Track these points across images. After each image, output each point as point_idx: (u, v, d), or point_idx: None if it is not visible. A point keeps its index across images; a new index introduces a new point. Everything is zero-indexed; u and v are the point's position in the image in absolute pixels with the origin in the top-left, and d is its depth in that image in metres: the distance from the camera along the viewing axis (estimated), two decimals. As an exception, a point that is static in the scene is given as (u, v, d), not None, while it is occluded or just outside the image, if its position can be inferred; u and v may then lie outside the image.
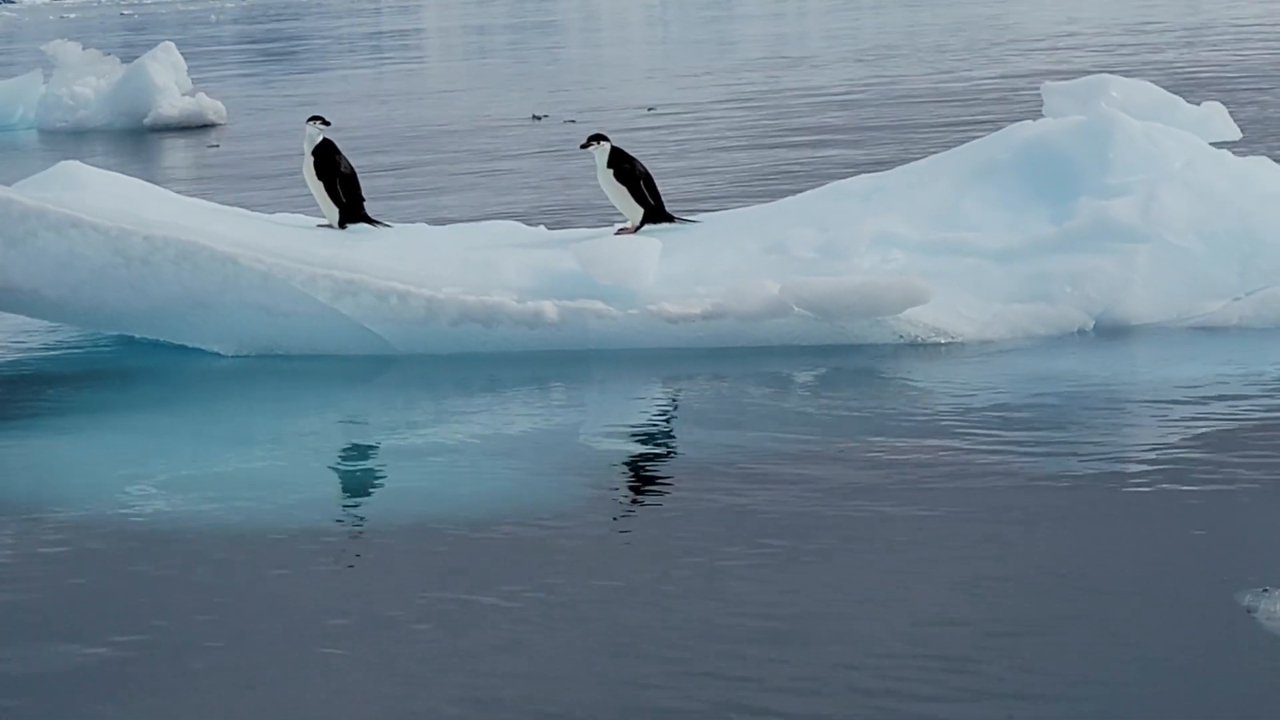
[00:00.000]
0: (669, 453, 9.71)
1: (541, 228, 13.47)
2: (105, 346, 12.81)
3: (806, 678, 6.36)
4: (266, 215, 13.92)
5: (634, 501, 8.77)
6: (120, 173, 14.17)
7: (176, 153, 28.06)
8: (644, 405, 10.81)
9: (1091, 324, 11.50)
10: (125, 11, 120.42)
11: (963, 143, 13.82)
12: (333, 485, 9.44)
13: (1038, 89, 14.37)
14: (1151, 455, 8.82)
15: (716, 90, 31.23)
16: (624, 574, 7.55)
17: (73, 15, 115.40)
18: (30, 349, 13.01)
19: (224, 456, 9.98)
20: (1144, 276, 11.62)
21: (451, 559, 7.84)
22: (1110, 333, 11.43)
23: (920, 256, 11.92)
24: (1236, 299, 11.57)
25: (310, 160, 13.18)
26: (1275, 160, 12.84)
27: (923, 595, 7.10)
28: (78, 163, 13.55)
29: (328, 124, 13.40)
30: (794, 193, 13.93)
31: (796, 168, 20.25)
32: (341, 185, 13.13)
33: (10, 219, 12.27)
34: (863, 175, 13.51)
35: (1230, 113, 13.33)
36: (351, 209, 13.19)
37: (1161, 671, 6.26)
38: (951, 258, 11.88)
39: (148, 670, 6.80)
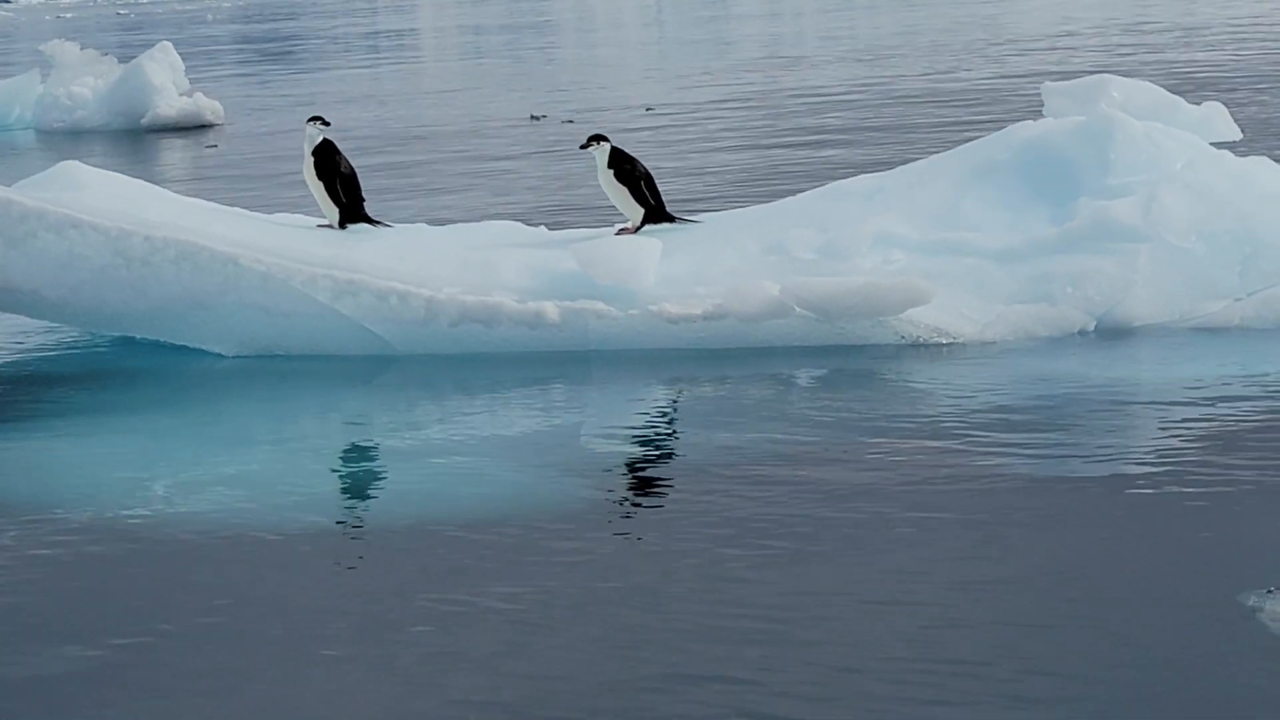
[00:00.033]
0: (670, 454, 9.70)
1: (542, 228, 13.46)
2: (105, 347, 12.80)
3: (808, 680, 6.36)
4: (266, 215, 13.91)
5: (635, 503, 8.76)
6: (119, 173, 14.15)
7: (174, 153, 28.04)
8: (645, 406, 10.81)
9: (1093, 325, 11.50)
10: (121, 11, 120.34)
11: (962, 143, 13.82)
12: (333, 486, 9.44)
13: (1036, 89, 14.37)
14: (1154, 456, 8.82)
15: (715, 90, 31.21)
16: (625, 575, 7.54)
17: (69, 15, 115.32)
18: (30, 349, 13.00)
19: (224, 457, 9.97)
20: (1145, 277, 11.61)
21: (452, 560, 7.83)
22: (1111, 333, 11.43)
23: (921, 257, 11.92)
24: (1238, 299, 11.57)
25: (310, 160, 13.18)
26: (1276, 160, 12.84)
27: (925, 597, 7.09)
28: (78, 163, 13.54)
29: (328, 124, 13.39)
30: (793, 193, 13.92)
31: (796, 168, 20.24)
32: (341, 185, 13.12)
33: (10, 219, 12.26)
34: (863, 175, 13.51)
35: (1230, 113, 13.33)
36: (351, 209, 13.18)
37: (1165, 672, 6.26)
38: (952, 258, 11.88)
39: (148, 671, 6.79)
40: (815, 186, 13.79)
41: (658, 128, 25.61)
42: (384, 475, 9.68)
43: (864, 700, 6.17)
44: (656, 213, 12.91)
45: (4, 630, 7.33)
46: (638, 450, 9.80)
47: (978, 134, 14.74)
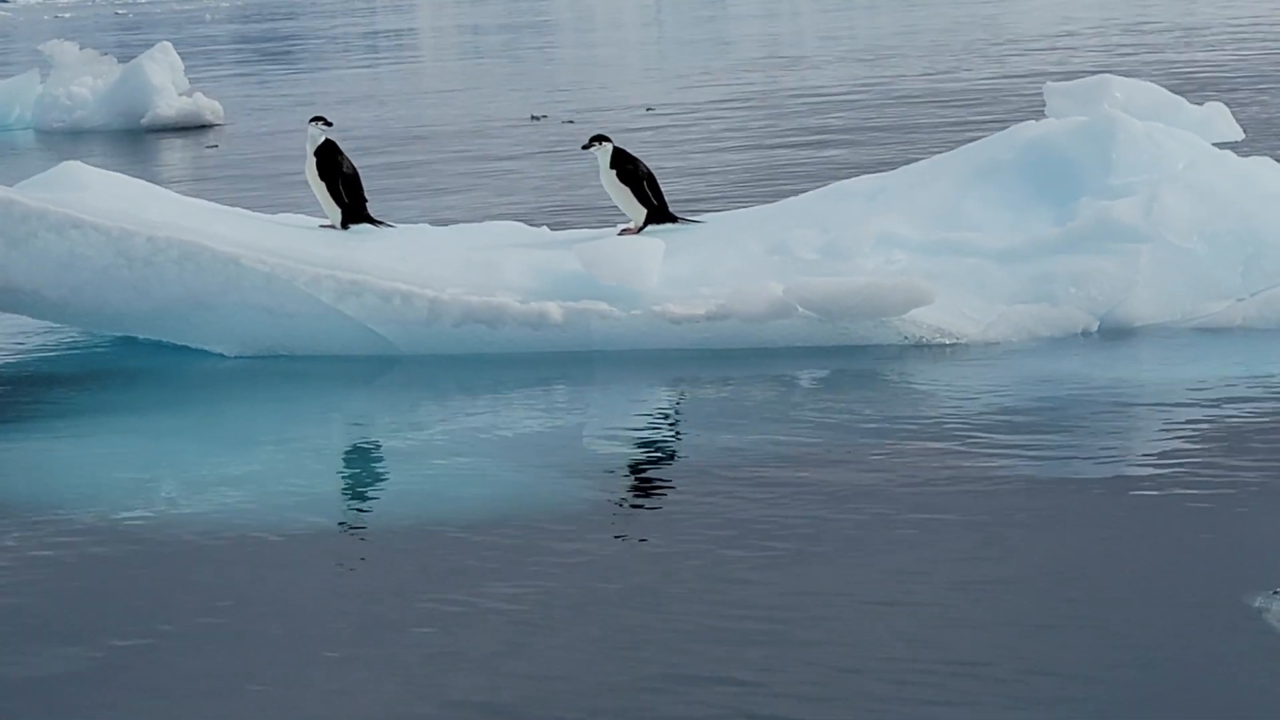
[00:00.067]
0: (672, 455, 9.70)
1: (544, 228, 13.45)
2: (107, 347, 12.80)
3: (810, 680, 6.35)
4: (268, 216, 13.90)
5: (637, 503, 8.76)
6: (120, 174, 14.14)
7: (174, 153, 28.04)
8: (647, 407, 10.81)
9: (1095, 325, 11.50)
10: (120, 11, 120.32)
11: (963, 143, 13.82)
12: (335, 486, 9.44)
13: (1037, 89, 14.38)
14: (1157, 457, 8.82)
15: (715, 90, 31.21)
16: (626, 576, 7.54)
17: (67, 15, 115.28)
18: (32, 350, 13.00)
19: (227, 458, 9.97)
20: (1147, 277, 11.61)
21: (454, 560, 7.83)
22: (1114, 334, 11.43)
23: (923, 257, 11.92)
24: (1240, 300, 11.57)
25: (313, 161, 13.17)
26: (1277, 161, 12.83)
27: (927, 597, 7.09)
28: (79, 163, 13.53)
29: (330, 125, 13.39)
30: (795, 193, 13.91)
31: (797, 168, 20.24)
32: (344, 186, 13.12)
33: (12, 220, 12.26)
34: (865, 176, 13.51)
35: (1232, 113, 13.33)
36: (354, 209, 13.18)
37: (1169, 674, 6.26)
38: (954, 258, 11.87)
39: (150, 671, 6.79)
40: (817, 187, 13.79)
41: (658, 128, 25.61)
42: (386, 476, 9.68)
43: (865, 701, 6.17)
44: (659, 213, 12.90)
45: (5, 630, 7.32)
46: (640, 451, 9.80)
47: (979, 134, 14.74)
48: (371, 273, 12.00)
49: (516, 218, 14.43)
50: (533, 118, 28.21)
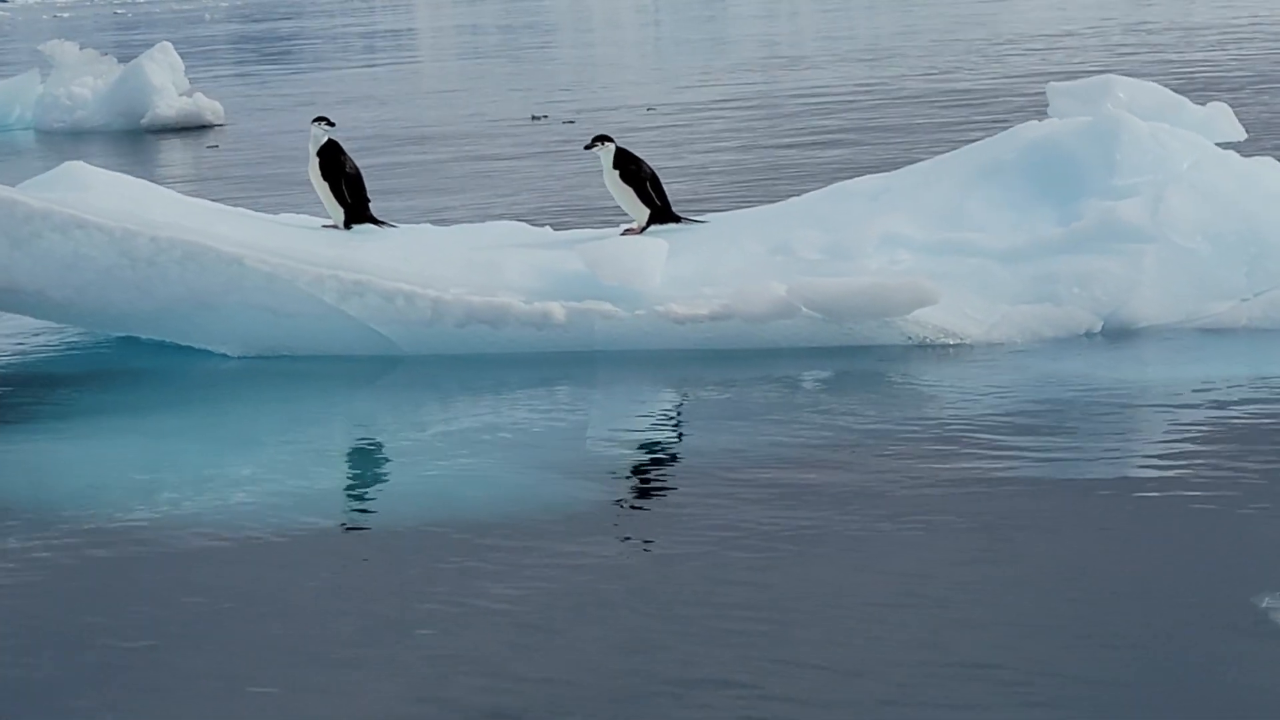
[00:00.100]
0: (676, 456, 9.69)
1: (547, 228, 13.44)
2: (110, 348, 12.79)
3: (816, 683, 6.34)
4: (270, 216, 13.91)
5: (641, 505, 8.75)
6: (122, 174, 14.14)
7: (175, 153, 28.03)
8: (651, 407, 10.80)
9: (1099, 325, 11.49)
10: (119, 10, 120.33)
11: (966, 143, 13.82)
12: (338, 487, 9.43)
13: (1038, 89, 14.38)
14: (1162, 458, 8.80)
15: (716, 90, 31.22)
16: (630, 578, 7.53)
17: (66, 14, 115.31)
18: (35, 350, 12.99)
19: (229, 458, 9.95)
20: (1151, 278, 11.60)
21: (457, 561, 7.82)
22: (1118, 334, 11.42)
23: (926, 257, 11.91)
24: (1244, 300, 11.56)
25: (315, 161, 13.18)
26: (1280, 161, 12.84)
27: (933, 599, 7.07)
28: (82, 163, 13.53)
29: (332, 125, 13.40)
30: (797, 193, 13.91)
31: (799, 168, 20.24)
32: (347, 186, 13.12)
33: (15, 220, 12.25)
34: (868, 176, 13.51)
35: (1234, 113, 13.33)
36: (357, 209, 13.18)
37: (1177, 675, 6.24)
38: (958, 258, 11.87)
39: (153, 672, 6.78)
40: (819, 187, 13.79)
41: (659, 128, 25.61)
42: (389, 476, 9.67)
43: (870, 703, 6.15)
44: (662, 213, 12.90)
45: (8, 631, 7.31)
46: (643, 452, 9.79)
47: (981, 135, 14.74)
48: (374, 273, 11.99)
49: (518, 218, 14.44)
50: (533, 118, 28.21)
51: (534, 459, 9.46)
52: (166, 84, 31.46)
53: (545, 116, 28.25)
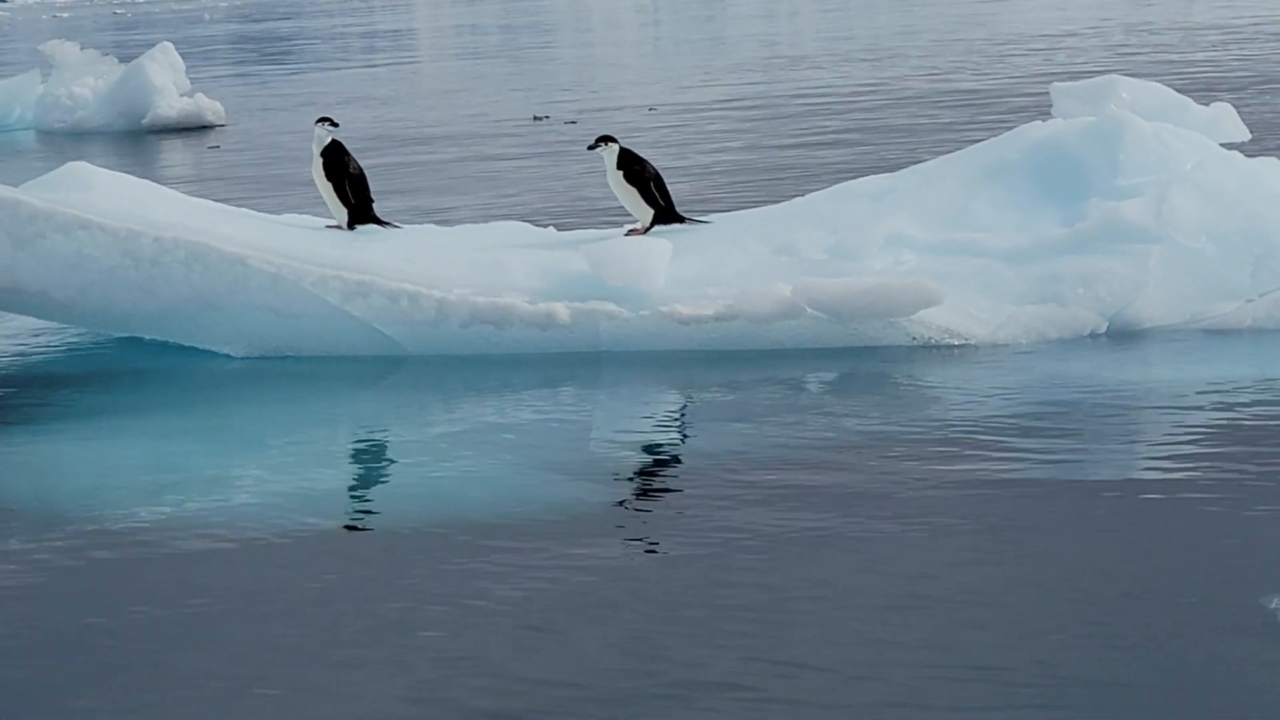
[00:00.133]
0: (681, 457, 9.67)
1: (550, 229, 13.44)
2: (114, 348, 12.78)
3: (824, 686, 6.33)
4: (273, 216, 13.90)
5: (646, 506, 8.73)
6: (126, 174, 14.14)
7: (177, 154, 28.02)
8: (656, 408, 10.79)
9: (1104, 326, 11.49)
10: (118, 10, 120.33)
11: (969, 144, 13.82)
12: (342, 488, 9.42)
13: (1040, 89, 14.37)
14: (1169, 460, 8.79)
15: (717, 90, 31.21)
16: (636, 580, 7.51)
17: (65, 14, 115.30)
18: (38, 351, 12.98)
19: (234, 459, 9.95)
20: (1156, 278, 11.60)
21: (462, 562, 7.81)
22: (1123, 335, 11.42)
23: (931, 257, 11.91)
24: (1249, 300, 11.55)
25: (319, 161, 13.17)
26: (1284, 162, 12.84)
27: (940, 601, 7.06)
28: (85, 164, 13.52)
29: (336, 125, 13.40)
30: (800, 194, 13.90)
31: (802, 168, 20.24)
32: (350, 186, 13.12)
33: (19, 220, 12.24)
34: (871, 176, 13.51)
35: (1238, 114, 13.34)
36: (360, 210, 13.17)
37: (1185, 677, 6.24)
38: (962, 259, 11.87)
39: (157, 673, 6.78)
40: (823, 187, 13.79)
41: (661, 128, 25.60)
42: (393, 477, 9.66)
43: (877, 705, 6.14)
44: (666, 214, 12.89)
45: (11, 632, 7.30)
46: (648, 453, 9.79)
47: (984, 135, 14.73)
48: (378, 273, 11.99)
49: (521, 218, 14.42)
50: (535, 118, 28.20)
51: (538, 460, 9.45)
52: (167, 84, 31.44)
53: (547, 117, 28.24)
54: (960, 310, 11.46)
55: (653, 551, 7.89)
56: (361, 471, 9.85)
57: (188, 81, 32.31)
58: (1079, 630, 6.66)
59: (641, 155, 13.08)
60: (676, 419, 10.52)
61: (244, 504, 8.92)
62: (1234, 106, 13.42)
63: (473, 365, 11.65)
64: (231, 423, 10.88)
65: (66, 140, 30.32)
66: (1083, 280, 11.60)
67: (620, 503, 8.73)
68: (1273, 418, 9.41)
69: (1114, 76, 13.52)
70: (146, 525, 8.65)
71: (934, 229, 12.14)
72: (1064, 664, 6.37)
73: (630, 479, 9.23)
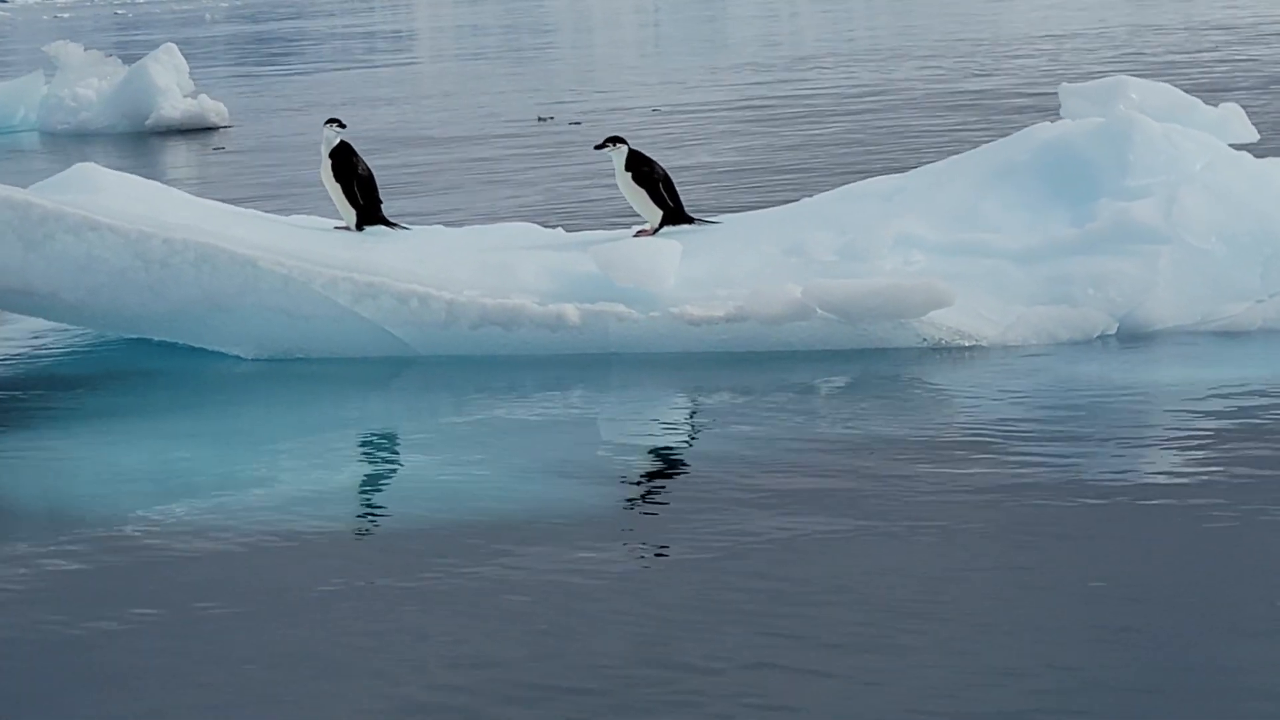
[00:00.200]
0: (692, 460, 9.66)
1: (559, 230, 13.43)
2: (123, 350, 12.77)
3: (835, 690, 6.32)
4: (281, 217, 13.90)
5: (656, 509, 8.70)
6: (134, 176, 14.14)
7: (181, 155, 28.02)
8: (666, 410, 10.78)
9: (1114, 327, 11.48)
10: (119, 11, 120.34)
11: (977, 144, 13.81)
12: (352, 490, 9.41)
13: (1045, 90, 14.36)
14: (1183, 462, 8.78)
15: (722, 92, 31.21)
16: (645, 582, 7.50)
17: (66, 15, 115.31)
18: (48, 352, 12.97)
19: (244, 460, 9.94)
20: (1166, 279, 11.60)
21: (472, 564, 7.80)
22: (1134, 336, 11.41)
23: (940, 258, 11.90)
24: (1260, 301, 11.55)
25: (328, 163, 13.17)
26: (1293, 161, 12.83)
27: (954, 604, 7.05)
28: (94, 165, 13.53)
29: (344, 126, 13.40)
30: (808, 194, 13.90)
31: (809, 169, 20.23)
32: (359, 187, 13.12)
33: (29, 222, 12.24)
34: (881, 177, 13.51)
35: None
36: (369, 211, 13.17)
37: (1202, 680, 6.22)
38: (972, 260, 11.86)
39: (164, 676, 6.77)
40: (830, 188, 13.79)
41: (666, 129, 25.59)
42: (403, 479, 9.66)
43: (892, 710, 6.13)
44: (675, 215, 12.89)
45: (19, 634, 7.30)
46: (658, 455, 9.78)
47: (992, 136, 14.73)
48: (388, 275, 11.99)
49: (528, 219, 14.42)
50: (539, 119, 28.19)
51: (548, 462, 9.44)
52: (171, 85, 31.43)
53: (551, 118, 28.23)
54: (970, 311, 11.46)
55: (662, 554, 7.88)
56: (371, 473, 9.84)
57: (191, 83, 32.30)
58: (1092, 634, 6.65)
59: (650, 156, 13.07)
60: (686, 421, 10.51)
61: (253, 506, 8.91)
62: (1242, 107, 13.40)
63: (482, 367, 11.65)
64: (241, 424, 10.88)
65: (70, 142, 30.32)
66: (1093, 281, 11.60)
67: (630, 505, 8.73)
68: (1286, 418, 9.42)
69: (1122, 77, 13.50)
70: (155, 527, 8.64)
71: (944, 230, 12.14)
72: (1078, 667, 6.36)
73: (640, 481, 9.23)
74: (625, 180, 12.83)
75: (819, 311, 11.38)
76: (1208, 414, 9.61)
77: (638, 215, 13.08)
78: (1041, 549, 7.62)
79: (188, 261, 12.09)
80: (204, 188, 21.56)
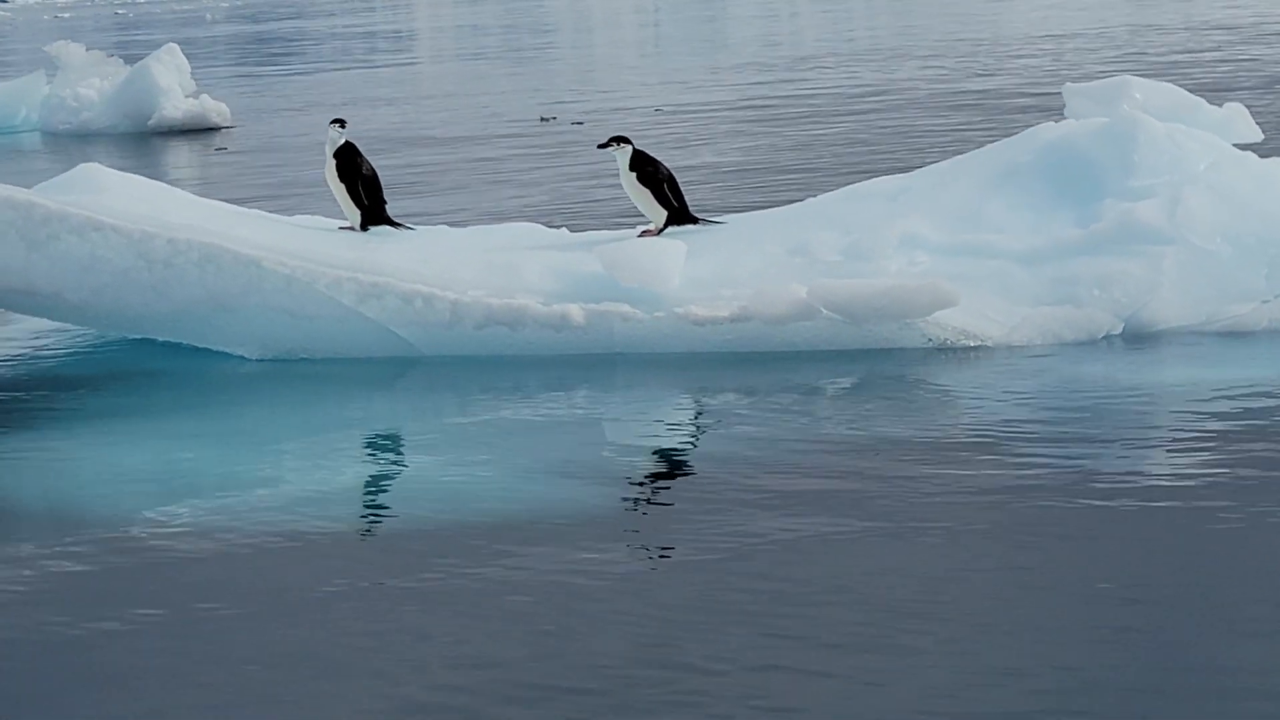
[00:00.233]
0: (696, 461, 9.66)
1: (563, 230, 13.43)
2: (127, 350, 12.77)
3: (840, 691, 6.31)
4: (284, 217, 13.90)
5: (660, 510, 8.71)
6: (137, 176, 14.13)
7: (183, 156, 28.02)
8: (671, 411, 10.78)
9: (1119, 327, 11.47)
10: (119, 10, 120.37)
11: (981, 145, 13.81)
12: (356, 490, 9.41)
13: (1047, 90, 14.35)
14: (1188, 463, 8.77)
15: (724, 92, 31.22)
16: (649, 582, 7.50)
17: (66, 15, 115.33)
18: (52, 352, 12.97)
19: (248, 461, 9.95)
20: (1171, 279, 11.59)
21: (475, 565, 7.80)
22: (1139, 337, 11.40)
23: (945, 259, 11.89)
24: (1265, 301, 11.54)
25: (332, 163, 13.17)
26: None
27: (958, 605, 7.05)
28: (97, 165, 13.53)
29: (344, 126, 13.39)
30: (812, 194, 13.90)
31: (813, 169, 20.23)
32: (364, 187, 13.12)
33: (33, 222, 12.24)
34: (885, 177, 13.51)
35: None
36: (373, 211, 13.17)
37: (1207, 681, 6.22)
38: (977, 260, 11.86)
39: (167, 676, 6.77)
40: (835, 188, 13.78)
41: (669, 129, 25.59)
42: (408, 479, 9.65)
43: (894, 711, 6.13)
44: (680, 214, 12.88)
45: (22, 634, 7.30)
46: (663, 456, 9.78)
47: (996, 136, 14.72)
48: (392, 275, 11.98)
49: (532, 219, 14.42)
50: (542, 119, 28.19)
51: (552, 462, 9.44)
52: (173, 86, 31.41)
53: (554, 118, 28.24)
54: (975, 312, 11.45)
55: (666, 555, 7.88)
56: (375, 474, 9.84)
57: (193, 83, 32.30)
58: (1095, 634, 6.64)
59: (655, 156, 13.06)
60: (690, 421, 10.51)
61: (256, 506, 8.91)
62: (1245, 107, 13.40)
63: (487, 367, 11.65)
64: (245, 425, 10.88)
65: (72, 142, 30.32)
66: (1097, 281, 11.59)
67: (633, 505, 8.72)
68: (1293, 419, 9.41)
69: (1126, 77, 13.49)
70: (158, 527, 8.64)
71: (948, 230, 12.13)
72: (1080, 668, 6.35)
73: (644, 482, 9.22)
74: (630, 180, 12.82)
75: (824, 312, 11.38)
76: (1213, 415, 9.60)
77: (642, 215, 13.08)
78: (1045, 549, 7.62)
79: (191, 262, 12.09)
80: (207, 188, 21.56)
